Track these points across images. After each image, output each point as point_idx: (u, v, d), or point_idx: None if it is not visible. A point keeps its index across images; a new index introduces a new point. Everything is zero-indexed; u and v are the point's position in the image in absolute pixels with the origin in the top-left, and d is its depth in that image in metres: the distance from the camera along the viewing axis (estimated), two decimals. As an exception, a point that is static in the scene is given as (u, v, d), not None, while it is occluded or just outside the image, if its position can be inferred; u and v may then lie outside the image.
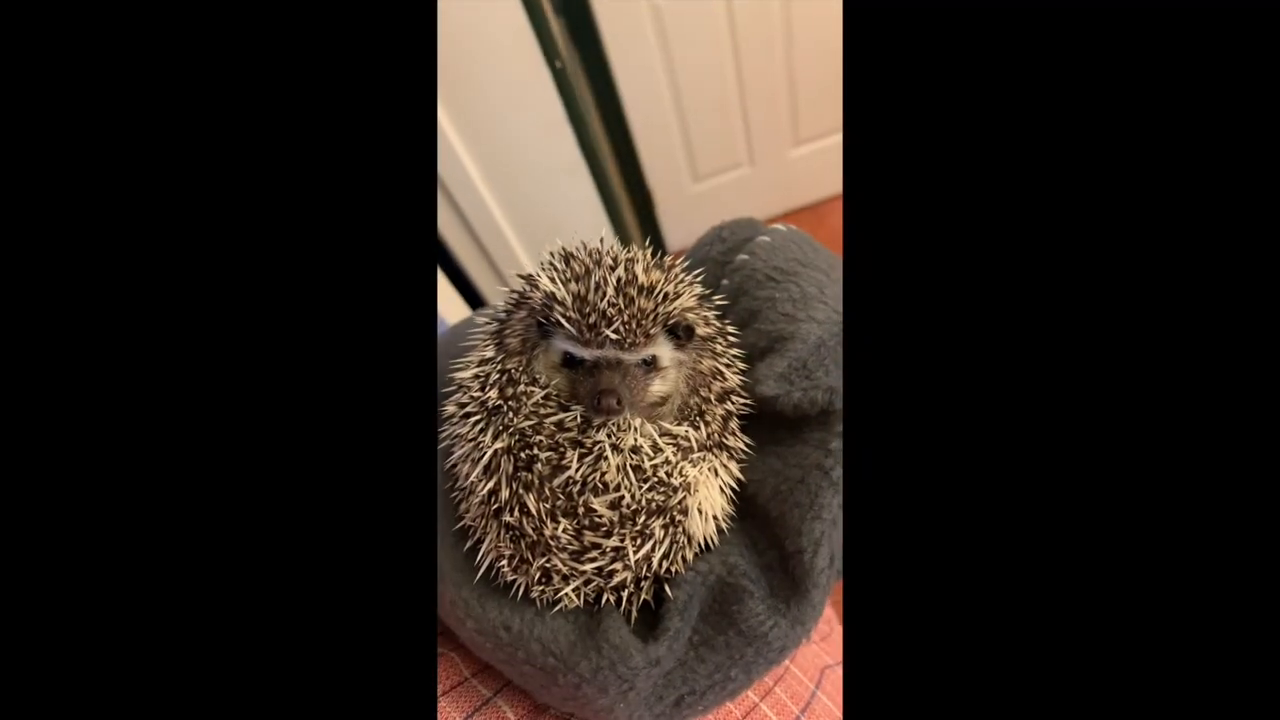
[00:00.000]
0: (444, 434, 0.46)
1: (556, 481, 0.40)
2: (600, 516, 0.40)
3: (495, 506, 0.41)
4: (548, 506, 0.40)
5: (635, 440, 0.41)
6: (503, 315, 0.47)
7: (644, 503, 0.40)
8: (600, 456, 0.40)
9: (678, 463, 0.42)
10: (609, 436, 0.41)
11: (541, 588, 0.41)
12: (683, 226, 2.30)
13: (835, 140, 2.06)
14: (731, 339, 0.48)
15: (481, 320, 0.48)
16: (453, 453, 0.45)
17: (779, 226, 0.54)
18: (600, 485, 0.40)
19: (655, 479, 0.41)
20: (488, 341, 0.46)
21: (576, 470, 0.40)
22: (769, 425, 0.47)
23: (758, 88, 1.84)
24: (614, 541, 0.40)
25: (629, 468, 0.40)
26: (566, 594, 0.41)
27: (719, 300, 0.49)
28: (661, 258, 0.48)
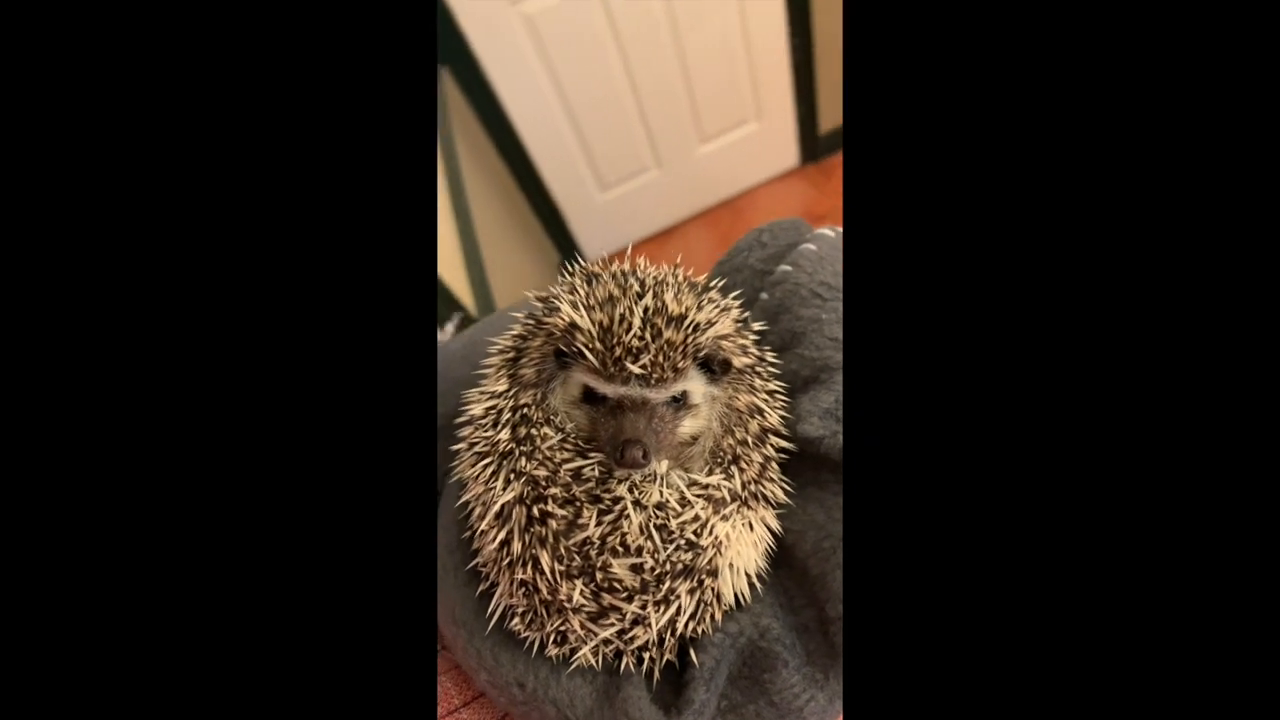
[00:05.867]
0: (457, 470, 0.42)
1: (572, 541, 0.37)
2: (620, 580, 0.36)
3: (507, 560, 0.38)
4: (562, 567, 0.37)
5: (661, 495, 0.37)
6: (518, 342, 0.42)
7: (669, 565, 0.37)
8: (621, 515, 0.36)
9: (708, 519, 0.37)
10: (631, 491, 0.37)
11: (557, 648, 0.38)
12: (598, 237, 2.21)
13: (744, 133, 1.92)
14: (772, 370, 0.42)
15: (495, 348, 0.43)
16: (465, 488, 0.42)
17: (827, 231, 0.47)
18: (620, 547, 0.36)
19: (683, 540, 0.37)
20: (500, 371, 0.42)
21: (595, 530, 0.36)
22: (811, 464, 0.42)
23: (652, 88, 1.69)
24: (635, 607, 0.36)
25: (653, 528, 0.36)
26: (584, 654, 0.38)
27: (759, 327, 0.43)
28: (693, 279, 0.42)
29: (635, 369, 0.36)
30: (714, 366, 0.39)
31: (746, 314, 0.44)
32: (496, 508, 0.38)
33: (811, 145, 2.19)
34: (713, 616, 0.39)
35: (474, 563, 0.42)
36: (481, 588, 0.41)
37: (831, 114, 1.97)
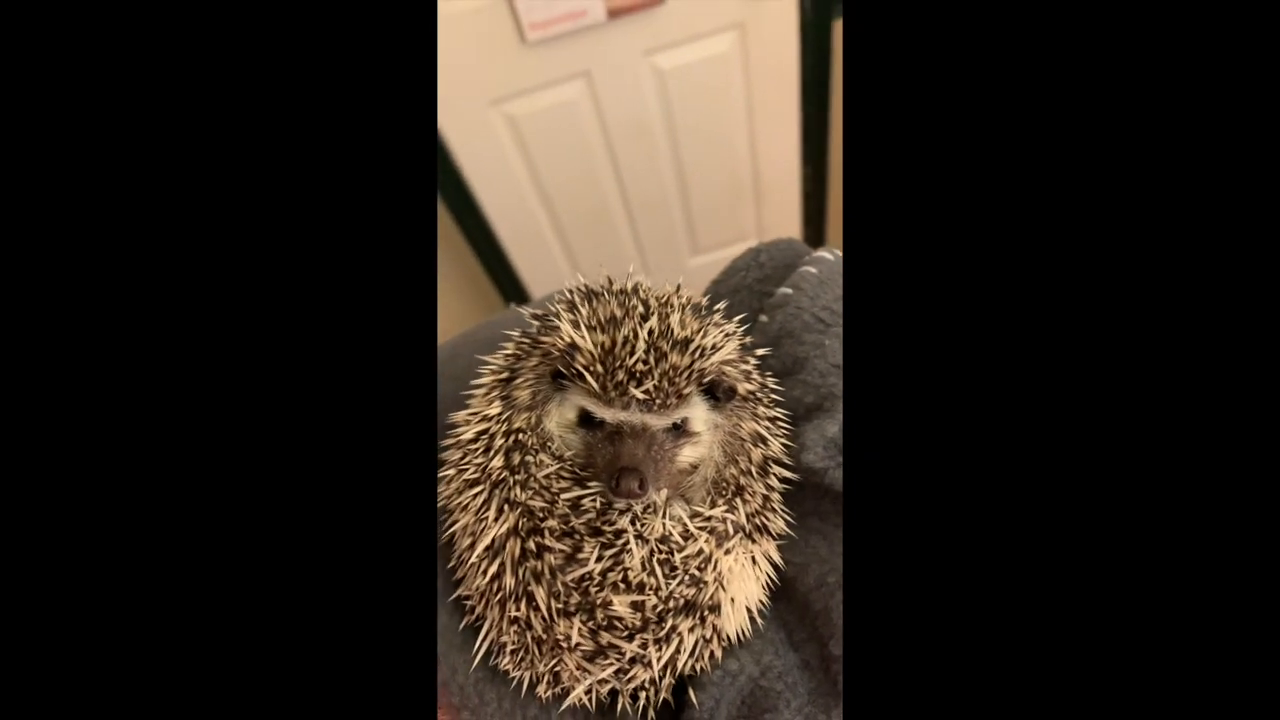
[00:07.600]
0: (442, 493, 0.40)
1: (570, 576, 0.35)
2: (621, 618, 0.35)
3: (499, 595, 0.36)
4: (559, 604, 0.35)
5: (664, 528, 0.35)
6: (512, 362, 0.40)
7: (672, 602, 0.35)
8: (623, 549, 0.34)
9: (711, 553, 0.36)
10: (633, 524, 0.35)
11: (550, 688, 0.36)
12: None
13: (736, 249, 1.85)
14: (774, 397, 0.41)
15: (487, 368, 0.41)
16: (452, 515, 0.39)
17: (826, 254, 0.46)
18: (621, 583, 0.34)
19: (686, 575, 0.35)
20: (492, 392, 0.40)
21: (595, 565, 0.34)
22: (813, 494, 0.41)
23: (645, 200, 1.61)
24: (635, 645, 0.35)
25: (656, 562, 0.35)
26: (578, 694, 0.36)
27: (761, 353, 0.42)
28: (696, 302, 0.41)
29: (638, 394, 0.35)
30: (718, 393, 0.38)
31: (749, 338, 0.43)
32: (487, 540, 0.36)
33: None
34: (712, 654, 0.37)
35: (457, 593, 0.40)
36: (466, 620, 0.39)
37: (840, 237, 1.92)
